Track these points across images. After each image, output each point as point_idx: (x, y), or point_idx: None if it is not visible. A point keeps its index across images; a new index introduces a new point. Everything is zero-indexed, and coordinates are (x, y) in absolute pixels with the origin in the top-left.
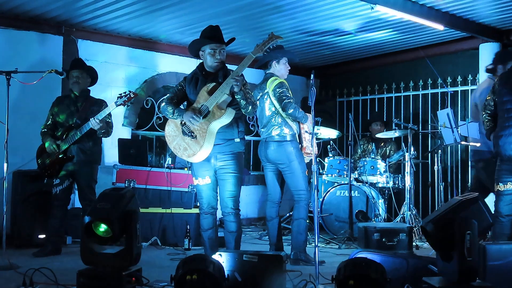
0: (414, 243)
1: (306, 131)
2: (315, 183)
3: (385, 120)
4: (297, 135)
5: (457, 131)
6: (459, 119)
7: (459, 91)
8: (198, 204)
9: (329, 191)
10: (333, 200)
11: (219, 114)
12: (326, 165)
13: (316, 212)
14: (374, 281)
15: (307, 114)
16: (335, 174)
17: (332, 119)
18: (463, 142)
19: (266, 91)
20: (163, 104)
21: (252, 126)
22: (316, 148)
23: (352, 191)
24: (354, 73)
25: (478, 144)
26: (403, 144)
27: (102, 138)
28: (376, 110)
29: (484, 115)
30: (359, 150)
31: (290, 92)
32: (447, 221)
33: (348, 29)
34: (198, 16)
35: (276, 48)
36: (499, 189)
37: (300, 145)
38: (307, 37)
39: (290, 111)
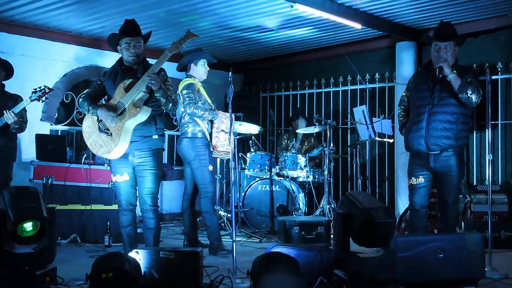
0: (332, 237)
1: (223, 130)
2: (233, 179)
3: (307, 116)
4: (207, 133)
5: (372, 127)
6: (377, 115)
7: (377, 88)
8: None
9: (251, 185)
10: (255, 195)
11: (134, 112)
12: (248, 160)
13: (233, 206)
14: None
15: (221, 112)
16: (257, 169)
17: (255, 115)
18: (377, 138)
19: (178, 91)
20: (80, 99)
21: (175, 121)
22: (233, 145)
23: (273, 186)
24: (278, 69)
25: (391, 140)
26: (323, 139)
27: (18, 134)
28: (299, 106)
29: (399, 110)
30: (282, 145)
31: (199, 93)
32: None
33: (270, 26)
34: (119, 10)
35: (195, 50)
36: (412, 183)
37: (209, 143)
38: (230, 32)
39: (189, 110)
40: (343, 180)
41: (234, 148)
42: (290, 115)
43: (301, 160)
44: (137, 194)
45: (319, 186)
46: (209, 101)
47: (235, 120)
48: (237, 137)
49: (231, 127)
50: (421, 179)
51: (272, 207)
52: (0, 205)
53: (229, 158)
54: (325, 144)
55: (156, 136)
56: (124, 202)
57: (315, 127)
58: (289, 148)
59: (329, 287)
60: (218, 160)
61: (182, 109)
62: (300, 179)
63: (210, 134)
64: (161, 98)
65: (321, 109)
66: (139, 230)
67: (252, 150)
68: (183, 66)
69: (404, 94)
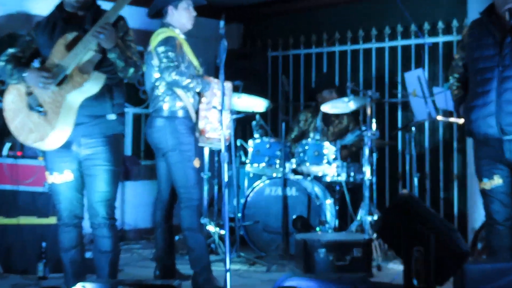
0: (375, 263)
1: (214, 107)
2: (228, 179)
3: (337, 84)
4: (192, 111)
5: (433, 101)
6: (441, 84)
7: (440, 43)
8: None
9: (254, 188)
10: (261, 202)
11: (80, 80)
12: (250, 150)
13: (228, 219)
14: None
15: (214, 80)
16: (263, 164)
17: (261, 83)
18: (440, 118)
19: (149, 48)
20: (1, 62)
21: (144, 94)
22: (228, 128)
23: (288, 188)
24: (294, 16)
25: (461, 121)
26: (362, 119)
27: None
28: (325, 70)
29: (452, 80)
30: (300, 128)
31: (182, 50)
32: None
33: None
34: None
35: None
36: (485, 187)
37: (195, 125)
38: None
39: (169, 78)
40: (392, 180)
41: (231, 133)
42: (313, 85)
43: (329, 150)
44: (85, 202)
45: (355, 189)
46: (196, 63)
47: (232, 92)
48: (234, 116)
49: (223, 101)
50: (497, 180)
51: (286, 219)
52: None
53: (223, 148)
54: (365, 127)
55: (112, 116)
56: (65, 214)
57: (350, 102)
58: (311, 132)
59: None
60: (207, 150)
61: (156, 75)
62: (328, 179)
63: (197, 113)
64: (117, 61)
65: (358, 75)
66: (88, 255)
67: (256, 135)
68: (157, 11)
69: (457, 56)
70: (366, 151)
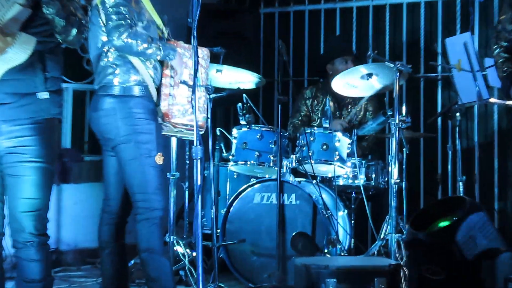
0: None
1: (185, 82)
2: (200, 182)
3: (355, 52)
4: (152, 88)
5: (484, 77)
6: None
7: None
8: None
9: (239, 194)
10: (248, 213)
11: (2, 45)
12: (234, 142)
13: (201, 237)
14: None
15: (183, 45)
16: (253, 161)
17: (249, 50)
18: (494, 100)
19: (94, 1)
20: None
21: (89, 64)
22: (204, 112)
23: (286, 195)
24: None
25: None
26: (387, 101)
27: None
28: (338, 33)
29: (497, 50)
30: (302, 112)
31: (138, 5)
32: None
33: None
34: None
35: None
36: None
37: (157, 108)
38: None
39: (120, 41)
40: (428, 184)
41: (208, 118)
42: (321, 52)
43: (342, 142)
44: (5, 212)
45: (378, 196)
46: (159, 22)
47: (209, 62)
48: (213, 95)
49: (196, 74)
50: None
51: (282, 238)
52: None
53: (196, 138)
54: (391, 111)
55: (45, 94)
56: None
57: (369, 76)
58: (317, 118)
59: None
60: (174, 142)
61: (104, 38)
62: (340, 182)
63: (159, 90)
64: (56, 19)
65: (384, 40)
66: (8, 285)
67: (242, 122)
68: None
69: (503, 16)
70: (393, 145)
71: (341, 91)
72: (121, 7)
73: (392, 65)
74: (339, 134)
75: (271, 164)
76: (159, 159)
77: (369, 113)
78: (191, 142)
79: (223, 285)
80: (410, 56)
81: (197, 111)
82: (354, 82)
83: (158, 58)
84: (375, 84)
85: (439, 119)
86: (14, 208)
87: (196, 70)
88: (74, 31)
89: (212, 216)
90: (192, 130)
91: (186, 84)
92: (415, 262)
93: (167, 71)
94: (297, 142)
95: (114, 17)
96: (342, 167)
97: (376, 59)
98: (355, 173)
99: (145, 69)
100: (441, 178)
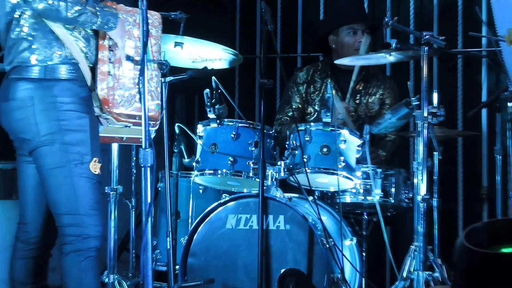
0: None
1: (131, 57)
2: (150, 200)
3: (368, 19)
4: (85, 67)
5: None
6: None
7: None
8: None
9: (206, 216)
10: (219, 242)
11: None
12: (199, 144)
13: (151, 275)
14: None
15: (124, 8)
16: (224, 170)
17: (221, 18)
18: None
19: None
20: None
21: None
22: (156, 99)
23: (272, 217)
24: None
25: None
26: (410, 86)
27: None
28: None
29: None
30: (290, 105)
31: None
32: None
33: None
34: None
35: None
36: None
37: (91, 94)
38: None
39: (42, 3)
40: (468, 200)
41: (162, 108)
42: (321, 17)
43: (350, 143)
44: None
45: (400, 219)
46: None
47: (166, 32)
48: (170, 79)
49: (144, 48)
50: None
51: (266, 276)
52: None
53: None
54: (417, 101)
55: None
56: None
57: (388, 53)
58: (313, 111)
59: None
60: (115, 145)
61: (14, 0)
62: (348, 199)
63: (94, 69)
64: None
65: (406, 2)
66: None
67: (210, 115)
68: None
69: None
70: (420, 148)
71: (345, 62)
72: None
73: (419, 36)
74: (345, 133)
75: (251, 174)
76: (94, 166)
77: (386, 107)
78: (139, 142)
79: None
80: (443, 24)
81: (147, 99)
82: (367, 56)
83: (94, 27)
84: (390, 58)
85: (484, 111)
86: None
87: (145, 42)
88: None
89: (169, 247)
90: (140, 126)
91: (131, 60)
92: None
93: (104, 42)
94: (287, 143)
95: None
96: (349, 178)
97: (396, 28)
98: (368, 187)
99: (73, 41)
100: (487, 193)
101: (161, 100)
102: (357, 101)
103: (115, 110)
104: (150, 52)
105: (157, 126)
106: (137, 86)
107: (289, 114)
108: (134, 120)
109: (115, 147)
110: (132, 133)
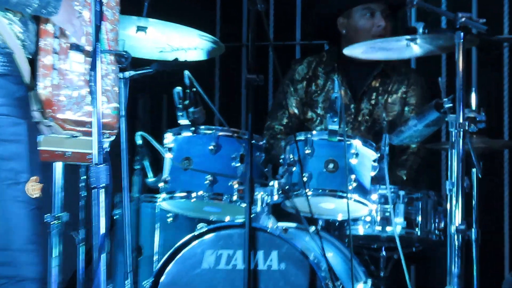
0: None
1: (77, 46)
2: (103, 231)
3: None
4: (21, 58)
5: None
6: None
7: None
8: None
9: (177, 252)
10: (193, 286)
11: None
12: (167, 158)
13: None
14: None
15: None
16: (200, 192)
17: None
18: None
19: None
20: None
21: None
22: (113, 101)
23: (262, 253)
24: None
25: None
26: (442, 84)
27: None
28: None
29: None
30: (287, 106)
31: None
32: None
33: None
34: None
35: None
36: None
37: (29, 93)
38: None
39: None
40: None
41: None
42: None
43: (363, 156)
44: None
45: (428, 255)
46: None
47: (126, 14)
48: (131, 74)
49: (96, 35)
50: None
51: None
52: None
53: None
54: (450, 102)
55: None
56: None
57: (413, 41)
58: (315, 117)
59: None
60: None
61: None
62: (361, 230)
63: (33, 61)
64: None
65: None
66: None
67: (182, 120)
68: None
69: None
70: (455, 163)
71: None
72: None
73: (452, 19)
74: (357, 144)
75: (235, 198)
76: (33, 188)
77: (410, 108)
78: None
79: None
80: (484, 5)
81: (102, 98)
82: (385, 45)
83: (29, 11)
84: (418, 51)
85: None
86: None
87: (98, 27)
88: None
89: None
90: (92, 134)
91: (81, 51)
92: None
93: (47, 27)
94: (282, 157)
95: None
96: (362, 203)
97: (424, 7)
98: (387, 214)
99: (6, 24)
100: None
101: (120, 103)
102: (373, 102)
103: (60, 115)
104: (105, 41)
105: (114, 136)
106: (88, 85)
107: (283, 122)
108: (83, 129)
109: (59, 165)
110: (80, 146)
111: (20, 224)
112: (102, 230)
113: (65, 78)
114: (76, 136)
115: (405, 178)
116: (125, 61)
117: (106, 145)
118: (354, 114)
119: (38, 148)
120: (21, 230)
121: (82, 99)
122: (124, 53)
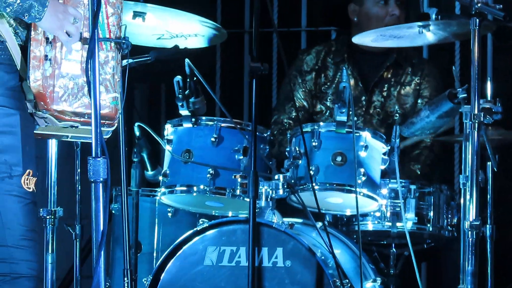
0: None
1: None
2: (102, 227)
3: None
4: (14, 49)
5: None
6: None
7: None
8: None
9: (178, 248)
10: (195, 283)
11: None
12: (167, 150)
13: None
14: None
15: None
16: (202, 186)
17: None
18: None
19: None
20: None
21: None
22: (112, 91)
23: (266, 250)
24: None
25: None
26: (456, 73)
27: None
28: None
29: None
30: (294, 98)
31: None
32: None
33: None
34: None
35: None
36: None
37: (22, 85)
38: None
39: None
40: None
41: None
42: None
43: (373, 149)
44: None
45: (440, 252)
46: None
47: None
48: (129, 61)
49: (95, 20)
50: None
51: None
52: None
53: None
54: (464, 92)
55: None
56: None
57: (426, 28)
58: (324, 109)
59: None
60: (53, 148)
61: None
62: (370, 225)
63: (25, 49)
64: None
65: None
66: None
67: (183, 111)
68: None
69: None
70: (469, 156)
71: (368, 43)
72: None
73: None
74: (367, 136)
75: (238, 192)
76: (28, 181)
77: (423, 101)
78: (86, 149)
79: None
80: None
81: (99, 88)
82: (396, 32)
83: (9, 11)
84: (431, 38)
85: None
86: None
87: (97, 11)
88: None
89: None
90: (90, 125)
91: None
92: None
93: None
94: (288, 150)
95: None
96: (372, 198)
97: None
98: (397, 210)
99: None
100: None
101: (121, 94)
102: (385, 94)
103: (55, 107)
104: (105, 26)
105: (114, 127)
106: (85, 74)
107: (292, 116)
108: (82, 119)
109: (53, 153)
110: (80, 133)
111: (14, 219)
112: (101, 226)
113: (60, 67)
114: (76, 126)
115: (419, 172)
116: (126, 48)
117: (106, 137)
118: (366, 106)
119: (34, 131)
120: (16, 225)
121: (79, 90)
122: (125, 40)
